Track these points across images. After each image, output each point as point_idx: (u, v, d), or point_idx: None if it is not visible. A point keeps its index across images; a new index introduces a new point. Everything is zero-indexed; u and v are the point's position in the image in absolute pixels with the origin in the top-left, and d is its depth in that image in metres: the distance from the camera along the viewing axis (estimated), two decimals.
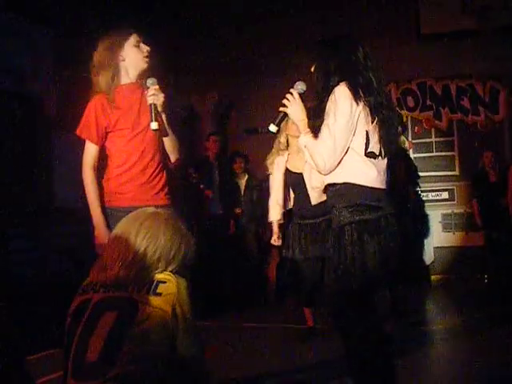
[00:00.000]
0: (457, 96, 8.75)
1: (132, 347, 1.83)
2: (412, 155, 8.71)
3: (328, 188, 2.94)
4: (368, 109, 2.80)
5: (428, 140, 8.89)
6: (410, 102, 8.90)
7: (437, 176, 8.77)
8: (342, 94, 2.78)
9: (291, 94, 2.93)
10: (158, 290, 1.95)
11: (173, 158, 3.50)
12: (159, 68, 3.48)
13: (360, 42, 2.96)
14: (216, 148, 6.69)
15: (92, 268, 2.08)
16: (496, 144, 8.34)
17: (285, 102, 2.93)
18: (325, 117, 2.81)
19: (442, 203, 8.67)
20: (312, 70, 3.01)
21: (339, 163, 2.82)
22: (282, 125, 3.17)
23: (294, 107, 2.92)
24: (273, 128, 2.96)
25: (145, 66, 3.37)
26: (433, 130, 8.90)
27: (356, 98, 2.77)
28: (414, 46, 8.59)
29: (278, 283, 7.13)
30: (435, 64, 8.67)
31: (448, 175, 8.77)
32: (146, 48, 3.36)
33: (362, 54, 2.90)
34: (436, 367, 4.45)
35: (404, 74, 8.70)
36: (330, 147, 2.78)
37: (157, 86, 3.27)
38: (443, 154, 8.82)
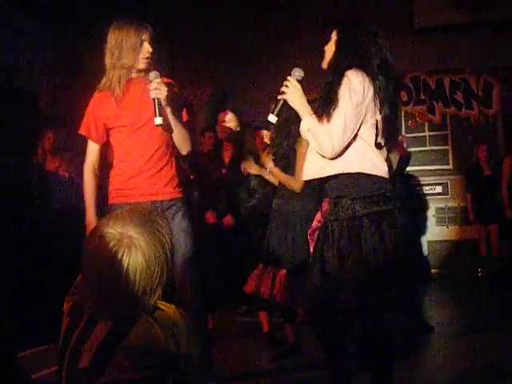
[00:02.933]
0: (450, 90, 8.75)
1: (122, 358, 1.76)
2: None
3: (336, 177, 2.83)
4: (378, 98, 2.77)
5: (421, 134, 8.88)
6: (404, 95, 8.88)
7: (430, 170, 8.77)
8: (355, 77, 2.72)
9: (289, 80, 2.87)
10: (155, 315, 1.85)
11: (184, 150, 3.44)
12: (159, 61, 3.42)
13: (379, 29, 2.89)
14: (211, 144, 6.63)
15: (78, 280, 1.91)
16: (489, 138, 8.36)
17: (283, 89, 2.86)
18: (334, 98, 2.73)
19: (436, 197, 8.68)
20: (326, 48, 2.94)
21: (350, 152, 2.76)
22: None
23: (293, 93, 2.85)
24: (272, 118, 2.90)
25: (142, 66, 3.30)
26: (426, 124, 8.90)
27: (369, 84, 2.73)
28: (407, 40, 8.56)
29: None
30: (429, 58, 8.66)
31: (442, 169, 8.78)
32: (148, 49, 3.29)
33: (381, 41, 2.86)
34: (429, 361, 4.45)
35: (397, 68, 8.57)
36: (340, 128, 2.71)
37: (159, 80, 3.20)
38: (437, 148, 8.82)
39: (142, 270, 1.69)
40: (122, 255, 1.67)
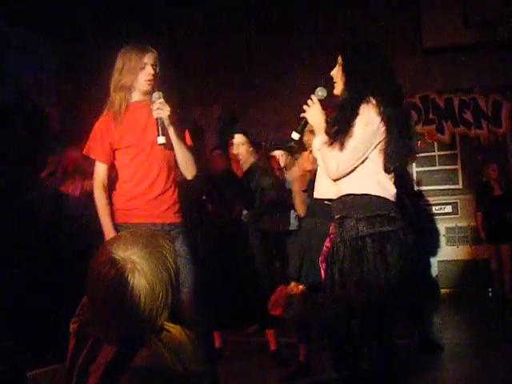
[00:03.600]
0: (459, 109, 8.75)
1: (129, 380, 1.75)
2: (415, 169, 8.72)
3: (342, 198, 2.86)
4: (389, 125, 2.78)
5: (431, 154, 8.86)
6: (413, 115, 8.88)
7: (440, 190, 8.74)
8: (371, 109, 2.75)
9: (311, 99, 2.93)
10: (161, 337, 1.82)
11: (188, 174, 3.45)
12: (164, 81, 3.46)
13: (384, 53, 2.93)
14: (220, 163, 6.60)
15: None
16: (499, 157, 8.33)
17: (305, 107, 2.93)
18: (348, 127, 2.76)
19: (446, 217, 8.64)
20: (333, 73, 2.97)
21: (359, 173, 2.78)
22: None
23: (312, 112, 2.91)
24: (295, 135, 2.98)
25: (145, 88, 3.34)
26: (436, 143, 8.89)
27: (384, 112, 2.74)
28: (416, 60, 8.59)
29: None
30: (438, 77, 8.68)
31: (451, 189, 8.74)
32: (150, 71, 3.32)
33: (388, 65, 2.88)
34: (439, 381, 4.41)
35: (407, 88, 8.66)
36: (347, 154, 2.74)
37: (162, 100, 3.25)
38: (446, 167, 8.80)
39: (146, 294, 1.67)
40: (126, 280, 1.66)
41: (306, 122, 2.96)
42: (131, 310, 1.67)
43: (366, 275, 2.71)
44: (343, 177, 2.81)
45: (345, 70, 2.91)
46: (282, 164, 5.61)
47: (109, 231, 3.30)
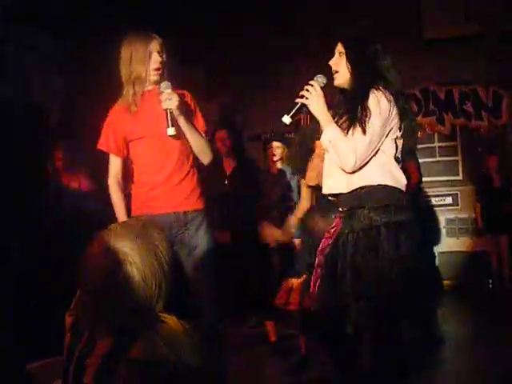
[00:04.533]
0: (460, 101, 8.73)
1: (125, 372, 1.76)
2: None
3: (355, 191, 2.79)
4: (398, 115, 2.77)
5: (431, 145, 8.85)
6: (413, 107, 8.87)
7: (440, 181, 8.73)
8: (383, 94, 2.73)
9: (312, 85, 2.80)
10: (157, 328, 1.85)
11: (205, 159, 3.42)
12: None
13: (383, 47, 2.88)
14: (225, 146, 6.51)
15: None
16: (499, 148, 8.33)
17: (304, 93, 2.79)
18: (363, 113, 2.71)
19: (446, 208, 8.65)
20: (333, 63, 2.91)
21: (372, 165, 2.75)
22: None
23: (314, 99, 2.78)
24: (286, 119, 2.81)
25: (154, 78, 3.30)
26: (436, 134, 8.88)
27: (393, 100, 2.74)
28: (416, 52, 8.57)
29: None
30: (438, 69, 8.65)
31: (451, 180, 8.74)
32: (157, 59, 3.28)
33: (387, 55, 2.85)
34: (439, 373, 4.42)
35: (407, 80, 8.66)
36: (365, 143, 2.69)
37: (170, 90, 3.19)
38: (446, 158, 8.79)
39: (138, 285, 1.68)
40: (118, 272, 1.67)
41: (301, 107, 2.81)
42: (124, 302, 1.69)
43: (381, 265, 2.67)
44: (360, 168, 2.76)
45: (351, 60, 2.84)
46: (278, 156, 5.61)
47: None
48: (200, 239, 3.27)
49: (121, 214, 3.36)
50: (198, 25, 8.72)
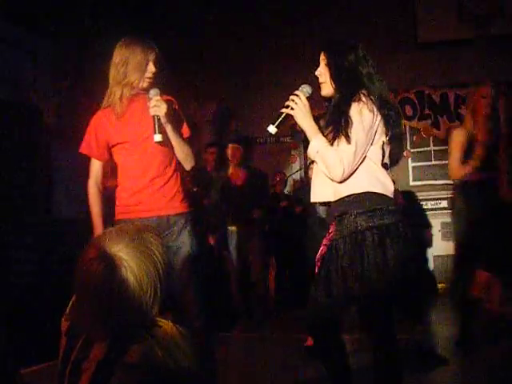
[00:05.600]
0: (455, 104, 8.76)
1: (121, 376, 1.74)
2: (410, 164, 8.74)
3: (343, 199, 2.79)
4: (384, 121, 2.77)
5: (426, 149, 8.88)
6: (408, 110, 8.90)
7: (435, 185, 8.76)
8: (366, 102, 2.71)
9: (298, 95, 2.78)
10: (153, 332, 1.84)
11: (187, 165, 3.43)
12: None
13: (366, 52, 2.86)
14: (214, 160, 6.67)
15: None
16: None
17: (289, 103, 2.78)
18: (346, 122, 2.71)
19: (441, 212, 8.66)
20: (319, 73, 2.90)
21: (359, 173, 2.75)
22: None
23: (300, 109, 2.77)
24: (272, 129, 2.79)
25: (145, 85, 3.30)
26: (431, 138, 8.90)
27: (377, 108, 2.73)
28: (411, 55, 8.60)
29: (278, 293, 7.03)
30: (433, 72, 8.68)
31: (447, 184, 8.73)
32: (152, 69, 3.28)
33: (372, 64, 2.85)
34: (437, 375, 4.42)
35: (402, 83, 8.71)
36: (351, 152, 2.69)
37: (159, 97, 3.19)
38: (442, 162, 8.78)
39: (134, 290, 1.67)
40: (113, 277, 1.65)
41: (286, 117, 2.79)
42: (119, 307, 1.67)
43: (366, 269, 2.67)
44: (348, 177, 2.75)
45: (332, 70, 2.84)
46: (230, 157, 5.77)
47: (98, 228, 3.31)
48: (183, 242, 3.29)
49: (97, 218, 3.36)
50: (190, 27, 8.74)
